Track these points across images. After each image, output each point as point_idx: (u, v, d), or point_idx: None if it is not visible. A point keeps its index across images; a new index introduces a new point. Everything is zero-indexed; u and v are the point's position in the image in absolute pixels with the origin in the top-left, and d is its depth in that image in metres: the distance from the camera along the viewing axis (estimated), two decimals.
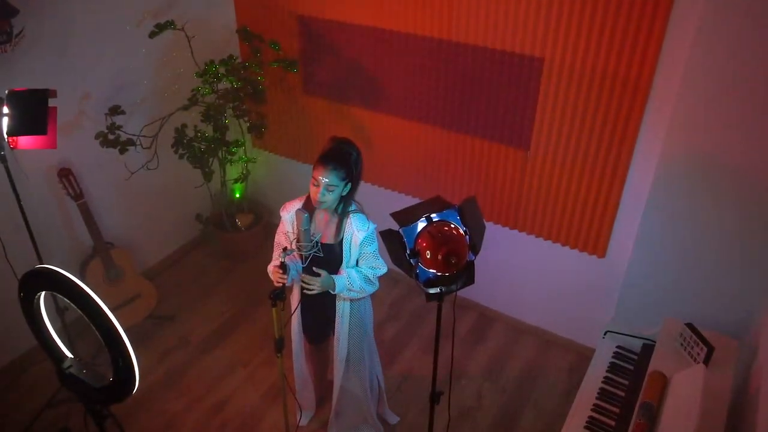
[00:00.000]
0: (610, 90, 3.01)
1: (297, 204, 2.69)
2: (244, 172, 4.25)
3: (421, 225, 2.00)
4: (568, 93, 3.13)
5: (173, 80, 4.03)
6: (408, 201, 4.00)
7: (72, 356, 1.98)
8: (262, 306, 4.24)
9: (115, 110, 3.44)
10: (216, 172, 4.10)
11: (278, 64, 3.87)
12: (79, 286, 1.72)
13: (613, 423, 2.52)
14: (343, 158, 2.51)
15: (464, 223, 2.02)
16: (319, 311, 2.89)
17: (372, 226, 2.64)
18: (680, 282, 3.12)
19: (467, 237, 2.01)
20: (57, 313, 3.33)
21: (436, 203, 2.07)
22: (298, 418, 3.34)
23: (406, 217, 2.00)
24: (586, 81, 3.05)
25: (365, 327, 2.91)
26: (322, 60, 3.89)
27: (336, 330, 2.86)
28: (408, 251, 1.99)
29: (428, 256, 1.93)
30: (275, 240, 2.82)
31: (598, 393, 2.65)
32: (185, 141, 3.81)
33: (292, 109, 4.24)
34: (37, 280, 1.79)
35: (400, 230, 1.98)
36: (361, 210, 2.68)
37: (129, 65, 3.79)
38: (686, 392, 2.26)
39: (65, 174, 3.46)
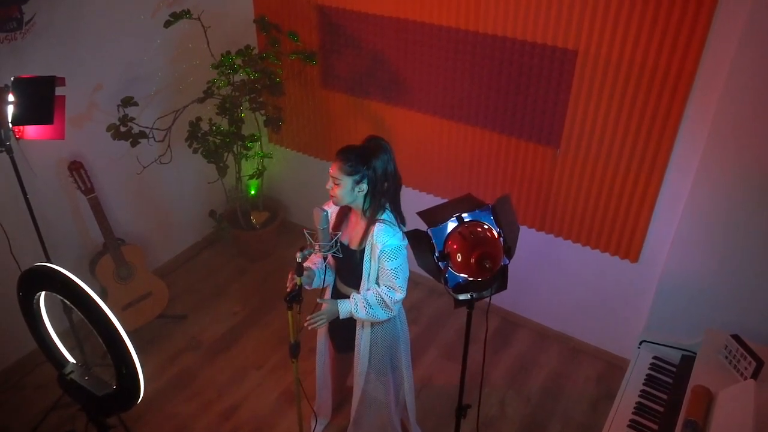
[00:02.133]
0: (648, 84, 2.83)
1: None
2: (260, 167, 4.10)
3: (451, 225, 1.84)
4: (603, 87, 2.95)
5: (188, 72, 3.90)
6: (430, 201, 3.84)
7: (74, 361, 1.84)
8: (276, 307, 4.10)
9: (127, 101, 3.31)
10: (231, 167, 3.96)
11: (297, 55, 3.72)
12: (81, 287, 1.58)
13: None
14: (355, 153, 2.34)
15: (498, 224, 1.86)
16: (350, 319, 2.69)
17: (396, 241, 2.37)
18: (720, 290, 2.93)
19: (501, 239, 1.85)
20: (64, 312, 3.21)
21: (467, 202, 1.91)
22: (313, 426, 3.20)
23: (435, 216, 1.84)
24: (623, 74, 2.87)
25: (393, 342, 2.72)
26: (342, 52, 3.74)
27: (356, 342, 2.71)
28: (437, 254, 1.83)
29: (459, 260, 1.77)
30: None
31: (635, 408, 2.48)
32: (200, 135, 3.68)
33: (309, 104, 4.10)
34: (36, 279, 1.66)
35: (429, 231, 1.82)
36: (393, 222, 2.42)
37: (143, 56, 3.67)
38: (736, 410, 2.08)
39: (76, 168, 3.34)
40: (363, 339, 2.66)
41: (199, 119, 3.72)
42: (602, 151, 3.11)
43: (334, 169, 2.34)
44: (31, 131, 2.45)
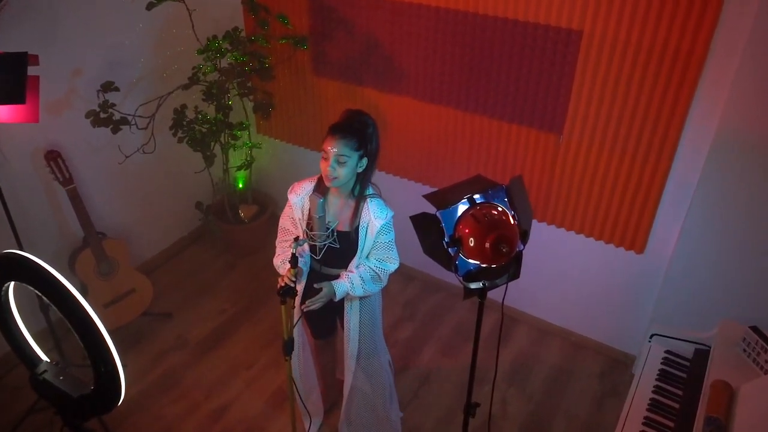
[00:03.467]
0: (657, 67, 2.70)
1: (308, 185, 2.39)
2: (248, 158, 3.93)
3: (462, 208, 1.69)
4: (609, 70, 2.82)
5: (172, 59, 3.72)
6: (426, 191, 3.69)
7: (47, 360, 1.67)
8: (266, 304, 3.93)
9: (108, 86, 3.14)
10: (218, 158, 3.79)
11: (287, 40, 3.56)
12: (52, 275, 1.41)
13: None
14: (355, 127, 2.24)
15: (512, 206, 1.71)
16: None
17: (390, 213, 2.37)
18: (734, 280, 2.80)
19: (516, 222, 1.70)
20: (41, 310, 3.02)
21: (478, 182, 1.77)
22: (308, 427, 3.03)
23: (444, 198, 1.69)
24: (630, 57, 2.74)
25: (376, 318, 2.63)
26: (334, 37, 3.58)
27: (345, 324, 2.57)
28: (446, 239, 1.68)
29: (472, 245, 1.62)
30: (280, 224, 2.51)
31: (648, 404, 2.35)
32: (185, 123, 3.50)
33: (300, 92, 3.93)
34: (3, 268, 1.48)
35: (438, 213, 1.67)
36: (379, 195, 2.40)
37: (124, 41, 3.49)
38: (762, 405, 1.95)
39: (53, 157, 3.15)
40: (352, 321, 2.55)
41: (184, 107, 3.54)
42: (607, 137, 2.98)
43: (339, 147, 2.20)
44: (2, 113, 2.27)
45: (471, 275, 1.76)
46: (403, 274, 4.08)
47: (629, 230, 3.15)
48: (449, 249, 1.68)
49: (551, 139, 3.14)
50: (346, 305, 2.53)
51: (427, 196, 1.76)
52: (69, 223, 3.47)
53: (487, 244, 1.58)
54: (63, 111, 3.30)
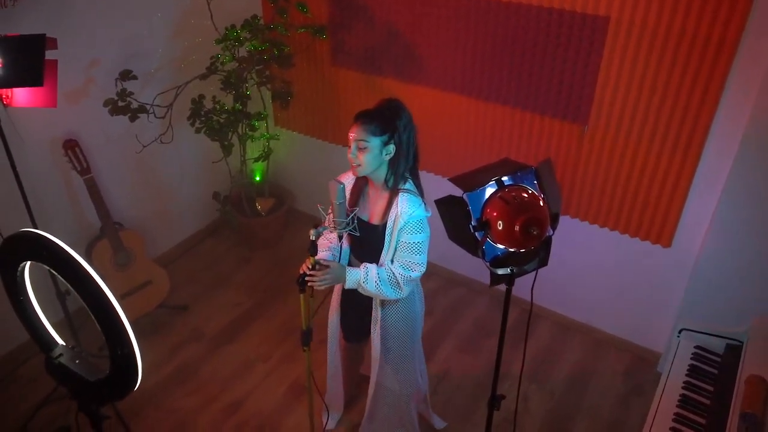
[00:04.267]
0: (687, 54, 2.62)
1: (348, 176, 2.33)
2: (266, 150, 3.89)
3: (489, 191, 1.62)
4: (637, 58, 2.74)
5: (191, 50, 3.69)
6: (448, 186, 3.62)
7: (63, 343, 1.63)
8: (283, 298, 3.89)
9: (126, 75, 3.11)
10: (235, 149, 3.75)
11: (305, 29, 3.51)
12: (70, 255, 1.38)
13: None
14: (380, 113, 2.14)
15: (541, 189, 1.65)
16: (361, 306, 2.49)
17: (421, 213, 2.19)
18: (763, 275, 2.72)
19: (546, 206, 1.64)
20: (58, 298, 3.00)
21: (506, 165, 1.70)
22: (325, 421, 2.98)
23: (471, 181, 1.63)
24: (659, 43, 2.66)
25: (408, 330, 2.50)
26: (353, 26, 3.53)
27: (373, 328, 2.50)
28: (473, 223, 1.61)
29: (500, 228, 1.55)
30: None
31: (679, 400, 2.27)
32: (203, 113, 3.46)
33: (318, 83, 3.88)
34: (20, 247, 1.45)
35: (465, 196, 1.60)
36: (417, 193, 2.24)
37: (142, 31, 3.46)
38: None
39: (71, 146, 3.13)
40: (380, 322, 2.45)
41: (202, 97, 3.50)
42: (634, 127, 2.90)
43: (359, 132, 2.13)
44: (21, 97, 2.25)
45: (498, 261, 1.69)
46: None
47: (656, 224, 3.06)
48: (476, 233, 1.62)
49: (576, 129, 3.07)
50: (374, 305, 2.43)
51: (454, 179, 1.70)
52: (86, 213, 3.45)
53: (517, 227, 1.51)
54: (81, 100, 3.28)
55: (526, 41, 3.00)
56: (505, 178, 1.63)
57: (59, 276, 1.39)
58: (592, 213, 3.23)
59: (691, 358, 2.45)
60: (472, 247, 1.65)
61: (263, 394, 3.25)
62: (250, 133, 3.73)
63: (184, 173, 4.05)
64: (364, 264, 2.29)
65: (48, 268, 1.41)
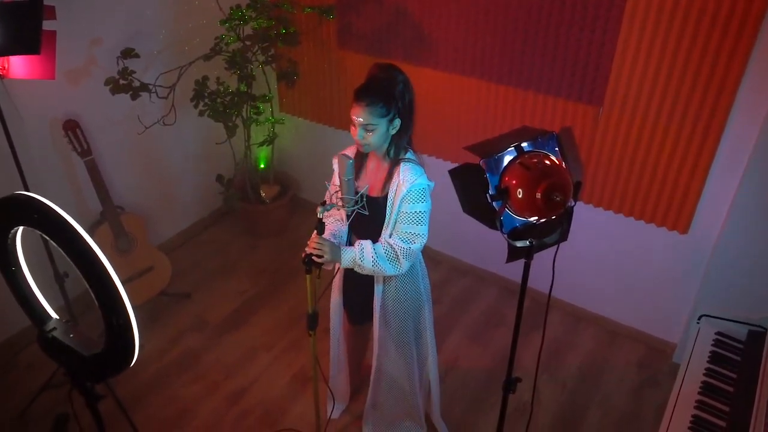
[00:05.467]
0: (707, 32, 2.52)
1: (353, 150, 2.25)
2: (271, 134, 3.80)
3: (508, 158, 1.53)
4: (656, 35, 2.65)
5: (195, 32, 3.61)
6: None
7: (57, 317, 1.55)
8: (287, 285, 3.81)
9: (128, 53, 3.03)
10: (240, 134, 3.66)
11: (312, 9, 3.42)
12: (62, 217, 1.29)
13: (723, 423, 2.04)
14: (381, 89, 2.05)
15: (563, 156, 1.56)
16: (365, 285, 2.39)
17: (424, 182, 2.11)
18: None
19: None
20: (56, 281, 2.92)
21: (525, 132, 1.61)
22: (330, 410, 2.89)
23: (488, 148, 1.54)
24: (679, 20, 2.56)
25: (410, 309, 2.41)
26: (361, 7, 3.44)
27: (374, 309, 2.41)
28: (490, 192, 1.52)
29: (520, 196, 1.46)
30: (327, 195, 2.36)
31: (701, 387, 2.17)
32: (206, 94, 3.38)
33: (324, 66, 3.79)
34: (9, 210, 1.36)
35: (482, 162, 1.51)
36: (418, 162, 2.18)
37: (145, 11, 3.38)
38: None
39: (71, 127, 3.05)
40: (380, 302, 2.36)
41: (205, 78, 3.42)
42: (651, 109, 2.80)
43: (363, 115, 2.04)
44: (18, 69, 2.17)
45: (517, 233, 1.60)
46: (429, 258, 3.92)
47: (672, 209, 2.97)
48: (493, 203, 1.53)
49: (590, 111, 2.97)
50: (377, 289, 2.34)
51: (470, 147, 1.61)
52: (86, 196, 3.37)
53: (539, 194, 1.42)
54: (82, 81, 3.20)
55: (540, 19, 2.90)
56: (524, 144, 1.54)
57: (52, 241, 1.31)
58: (606, 198, 3.13)
59: (713, 345, 2.35)
60: (489, 218, 1.56)
61: (267, 382, 3.17)
62: (255, 116, 3.64)
63: (187, 157, 3.96)
64: (358, 241, 2.19)
65: (40, 233, 1.32)
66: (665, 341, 3.32)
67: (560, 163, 1.51)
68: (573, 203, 1.54)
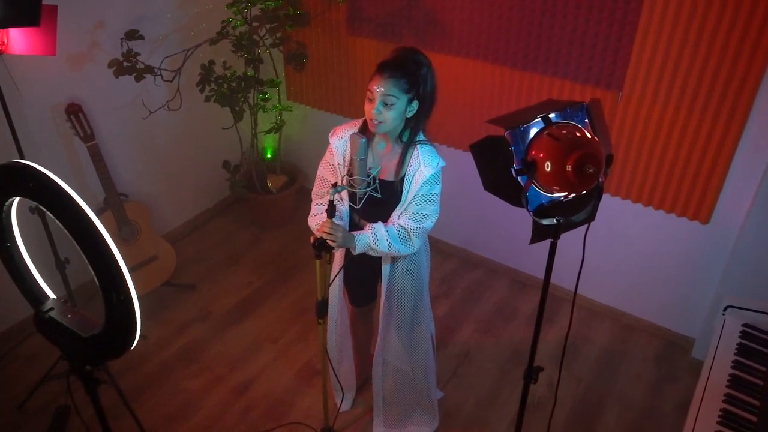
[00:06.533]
0: (734, 12, 2.42)
1: (350, 128, 2.16)
2: (278, 122, 3.71)
3: (534, 131, 1.44)
4: (679, 14, 2.54)
5: (201, 17, 3.52)
6: (467, 159, 3.42)
7: (54, 296, 1.46)
8: (294, 278, 3.72)
9: (132, 35, 2.94)
10: (246, 121, 3.57)
11: None
12: (59, 185, 1.20)
13: (754, 418, 1.94)
14: (407, 66, 1.97)
15: (593, 129, 1.46)
16: (368, 264, 2.31)
17: (441, 163, 2.08)
18: None
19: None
20: (57, 268, 2.84)
21: (551, 104, 1.52)
22: (339, 402, 2.80)
23: (514, 119, 1.44)
24: (703, 0, 2.47)
25: (422, 285, 2.37)
26: None
27: (384, 291, 2.33)
28: (516, 166, 1.43)
29: (548, 169, 1.37)
30: (318, 174, 2.28)
31: (728, 381, 2.07)
32: (213, 78, 3.28)
33: (333, 53, 3.70)
34: (3, 179, 1.28)
35: (507, 134, 1.42)
36: (431, 143, 2.12)
37: None
38: None
39: (74, 110, 2.97)
40: (387, 282, 2.30)
41: (212, 62, 3.32)
42: (673, 93, 2.70)
43: (387, 86, 1.95)
44: (18, 44, 2.08)
45: (543, 210, 1.50)
46: (440, 251, 3.84)
47: (694, 198, 2.86)
48: (519, 178, 1.43)
49: (609, 96, 2.87)
50: (385, 269, 2.28)
51: (493, 119, 1.51)
52: (89, 182, 3.28)
53: (569, 167, 1.32)
54: (85, 64, 3.12)
55: (556, 1, 2.80)
56: (552, 115, 1.44)
57: (48, 212, 1.22)
58: (624, 187, 3.03)
59: (740, 337, 2.25)
60: (514, 195, 1.46)
61: (273, 375, 3.08)
62: (262, 103, 3.55)
63: (192, 144, 3.87)
64: (368, 225, 2.13)
65: (36, 203, 1.23)
66: (683, 336, 3.21)
67: (591, 134, 1.42)
68: (603, 178, 1.45)
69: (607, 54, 2.79)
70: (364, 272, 2.40)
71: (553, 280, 3.62)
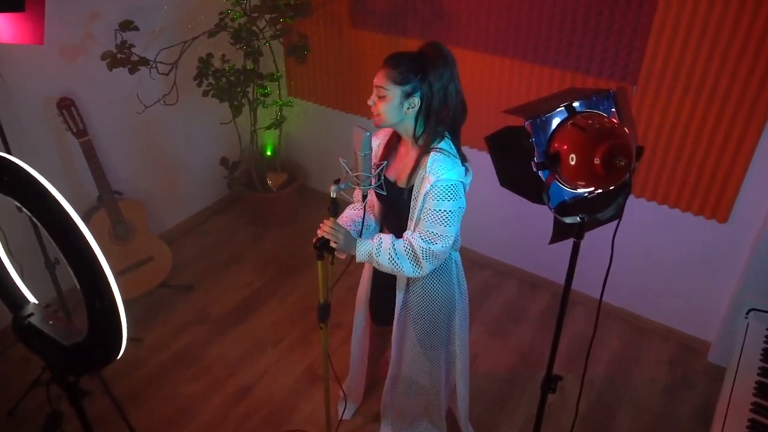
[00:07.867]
0: (755, 3, 2.30)
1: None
2: (279, 117, 3.59)
3: (556, 121, 1.32)
4: (698, 5, 2.43)
5: (198, 9, 3.41)
6: (487, 161, 3.31)
7: (35, 302, 1.35)
8: (295, 278, 3.60)
9: (127, 25, 2.83)
10: (246, 117, 3.45)
11: None
12: (35, 178, 1.09)
13: None
14: (410, 58, 1.84)
15: (620, 118, 1.34)
16: (391, 287, 2.19)
17: (454, 176, 1.84)
18: None
19: None
20: (47, 268, 2.72)
21: (574, 92, 1.40)
22: (341, 410, 2.69)
23: (534, 109, 1.32)
24: None
25: (446, 310, 2.18)
26: None
27: (396, 305, 2.20)
28: (537, 159, 1.31)
29: (573, 162, 1.25)
30: None
31: (755, 389, 1.96)
32: (210, 72, 3.17)
33: (335, 47, 3.59)
34: None
35: (527, 124, 1.30)
36: (454, 153, 1.90)
37: None
38: None
39: (66, 105, 2.86)
40: (401, 305, 2.15)
41: (210, 56, 3.21)
42: (691, 87, 2.58)
43: (380, 77, 1.85)
44: (2, 32, 1.97)
45: (565, 207, 1.39)
46: None
47: (711, 197, 2.75)
48: (540, 172, 1.31)
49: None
50: (399, 297, 2.14)
51: (512, 109, 1.39)
52: (82, 180, 3.17)
53: (597, 159, 1.21)
54: (78, 57, 3.01)
55: None
56: (576, 104, 1.32)
57: (25, 209, 1.11)
58: (638, 185, 2.92)
59: (765, 342, 2.14)
60: (534, 191, 1.34)
61: (274, 380, 2.97)
62: (262, 98, 3.43)
63: (189, 141, 3.76)
64: (378, 234, 1.97)
65: (12, 199, 1.12)
66: (698, 339, 3.10)
67: (620, 124, 1.30)
68: (629, 175, 1.33)
69: (621, 45, 2.67)
70: (387, 295, 2.23)
71: (559, 278, 3.50)
